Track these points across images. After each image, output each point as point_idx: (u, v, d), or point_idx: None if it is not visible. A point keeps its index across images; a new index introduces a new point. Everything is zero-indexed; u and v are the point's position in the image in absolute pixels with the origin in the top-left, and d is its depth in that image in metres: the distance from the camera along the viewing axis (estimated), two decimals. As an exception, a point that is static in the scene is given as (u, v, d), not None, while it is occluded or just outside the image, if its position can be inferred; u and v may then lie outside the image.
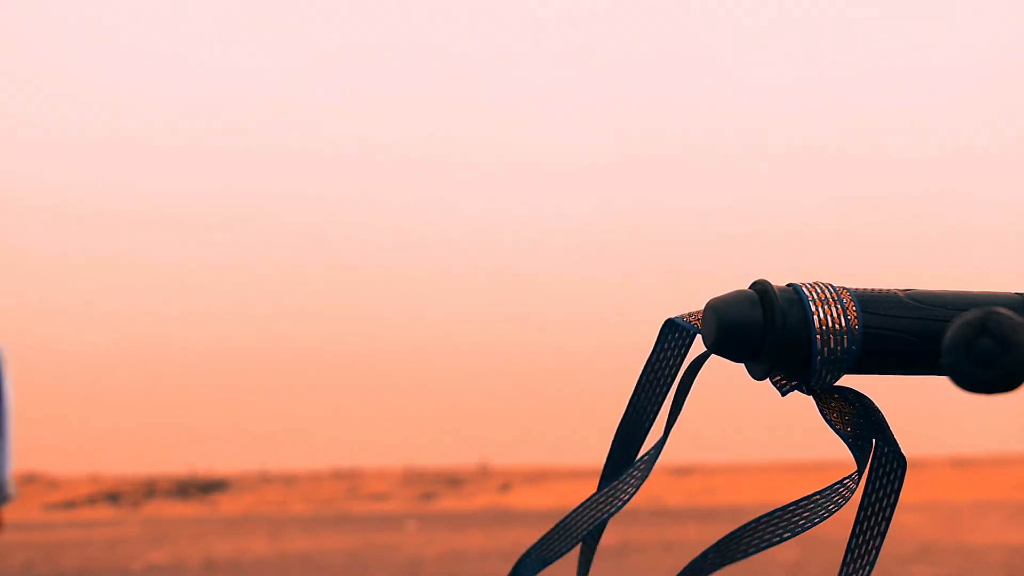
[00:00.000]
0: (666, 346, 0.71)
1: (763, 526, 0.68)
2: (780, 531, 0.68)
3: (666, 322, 0.71)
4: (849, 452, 0.69)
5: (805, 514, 0.67)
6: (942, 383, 0.64)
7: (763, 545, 0.68)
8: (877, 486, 0.69)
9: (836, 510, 0.67)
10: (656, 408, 0.72)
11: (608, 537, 14.27)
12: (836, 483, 0.68)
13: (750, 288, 0.68)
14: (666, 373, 0.71)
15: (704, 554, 0.70)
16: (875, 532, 0.69)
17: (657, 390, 0.72)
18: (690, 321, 0.70)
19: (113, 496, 30.55)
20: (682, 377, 0.71)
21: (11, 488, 5.41)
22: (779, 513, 0.67)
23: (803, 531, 0.68)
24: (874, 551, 0.69)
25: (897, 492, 0.69)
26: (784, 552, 11.67)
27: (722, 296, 0.68)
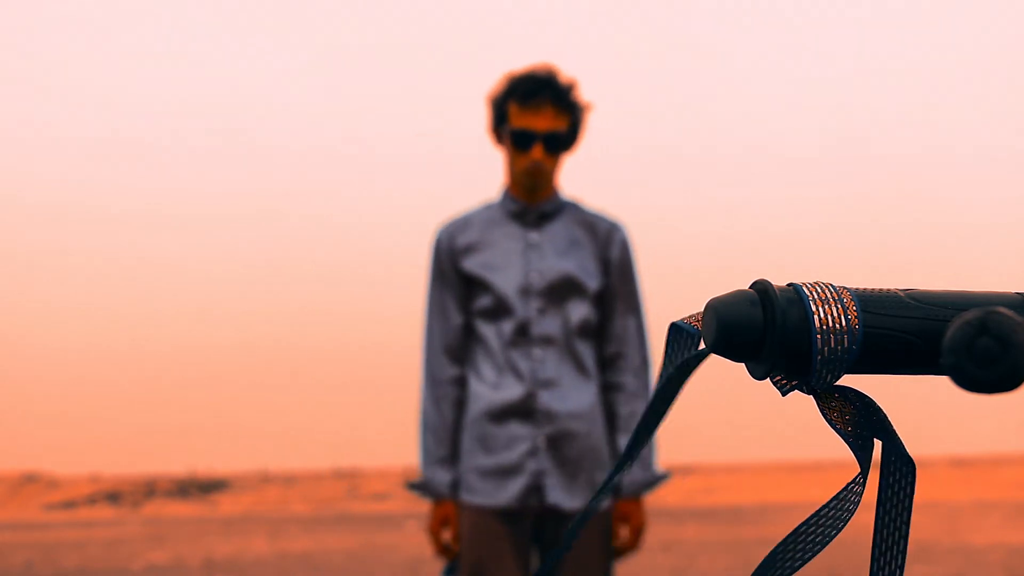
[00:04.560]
0: (673, 349, 0.71)
1: (782, 555, 0.66)
2: (802, 554, 0.66)
3: (671, 326, 0.71)
4: (850, 452, 0.69)
5: (820, 531, 0.66)
6: (942, 383, 0.63)
7: (788, 574, 0.67)
8: (890, 494, 0.69)
9: (849, 518, 0.66)
10: (666, 407, 0.73)
11: (608, 537, 14.23)
12: (842, 491, 0.67)
13: (750, 288, 0.68)
14: (675, 376, 0.72)
15: None
16: (896, 537, 0.69)
17: (669, 392, 0.72)
18: (692, 324, 0.70)
19: (113, 496, 30.53)
20: (677, 375, 0.71)
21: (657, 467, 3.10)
22: (792, 538, 0.66)
23: (823, 547, 0.67)
24: (900, 555, 0.69)
25: (911, 497, 0.69)
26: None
27: (722, 296, 0.67)
